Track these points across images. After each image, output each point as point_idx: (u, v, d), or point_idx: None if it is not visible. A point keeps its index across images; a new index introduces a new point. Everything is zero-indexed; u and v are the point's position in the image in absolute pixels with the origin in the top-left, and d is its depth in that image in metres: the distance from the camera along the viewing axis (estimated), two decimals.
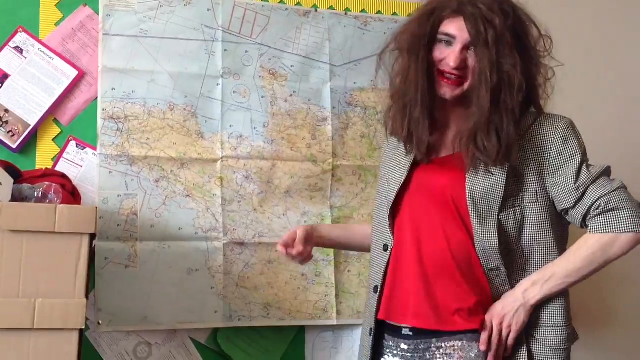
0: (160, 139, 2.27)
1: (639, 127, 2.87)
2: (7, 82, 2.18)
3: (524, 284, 1.61)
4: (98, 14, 2.27)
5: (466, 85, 1.63)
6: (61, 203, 1.80)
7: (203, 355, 2.29)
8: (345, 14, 2.52)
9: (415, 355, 1.66)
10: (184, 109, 2.31)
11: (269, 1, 2.45)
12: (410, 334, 1.67)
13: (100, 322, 2.16)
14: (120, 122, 2.25)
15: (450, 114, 1.71)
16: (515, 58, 1.60)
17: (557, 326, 1.64)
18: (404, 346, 1.68)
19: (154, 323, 2.21)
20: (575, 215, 1.62)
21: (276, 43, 2.43)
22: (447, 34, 1.63)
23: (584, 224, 1.63)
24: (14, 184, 1.82)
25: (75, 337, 1.71)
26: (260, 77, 2.40)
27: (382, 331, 1.74)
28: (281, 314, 2.33)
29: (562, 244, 1.68)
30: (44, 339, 1.69)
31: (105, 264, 2.17)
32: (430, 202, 1.68)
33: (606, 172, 1.64)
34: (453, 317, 1.61)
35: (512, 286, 1.63)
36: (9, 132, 2.16)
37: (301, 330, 2.39)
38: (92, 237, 1.88)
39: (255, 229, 2.33)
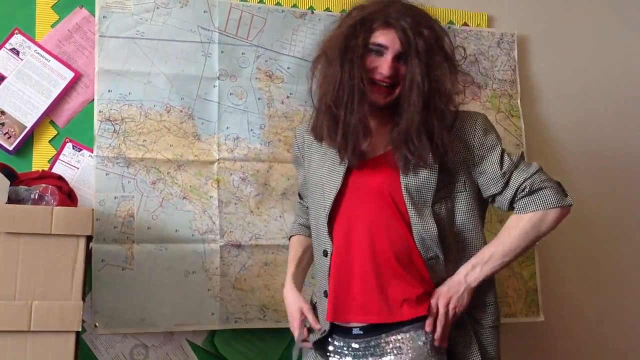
0: (157, 140, 2.27)
1: (635, 126, 2.88)
2: (3, 84, 2.17)
3: (464, 269, 1.72)
4: (94, 16, 2.27)
5: (397, 92, 1.73)
6: (58, 205, 1.80)
7: (200, 357, 2.28)
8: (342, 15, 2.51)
9: (367, 352, 1.71)
10: (181, 111, 2.31)
11: (265, 3, 2.45)
12: (361, 332, 1.72)
13: (97, 324, 2.15)
14: (117, 123, 2.24)
15: (376, 117, 1.78)
16: (443, 67, 1.74)
17: (490, 305, 1.77)
18: (355, 345, 1.73)
19: (151, 325, 2.20)
20: (503, 200, 1.76)
21: (272, 45, 2.43)
22: (378, 44, 1.72)
23: (511, 207, 1.76)
24: (10, 185, 1.82)
25: (71, 339, 1.71)
26: (256, 78, 2.40)
27: (326, 336, 1.79)
28: (278, 316, 2.32)
29: (483, 228, 1.81)
30: (41, 342, 1.69)
31: (102, 266, 2.17)
32: (369, 202, 1.74)
33: (523, 157, 1.79)
34: (401, 308, 1.67)
35: (450, 273, 1.72)
36: (5, 134, 2.16)
37: None
38: (89, 239, 1.88)
39: (251, 231, 2.32)
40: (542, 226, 1.72)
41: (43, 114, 2.19)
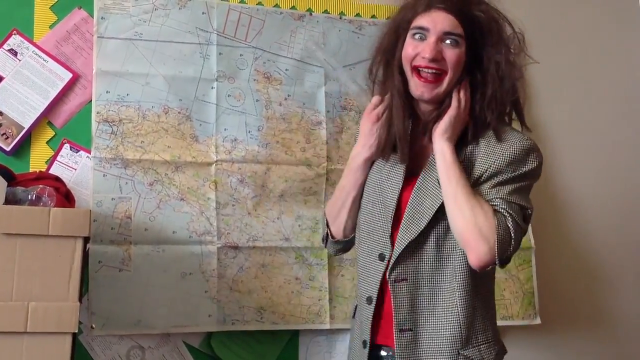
0: (155, 142, 2.27)
1: (633, 126, 2.89)
2: (1, 85, 2.17)
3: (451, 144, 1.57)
4: (92, 17, 2.27)
5: (445, 82, 1.56)
6: (55, 206, 1.79)
7: (196, 359, 2.28)
8: (340, 18, 2.52)
9: None
10: (179, 112, 2.31)
11: (263, 5, 2.45)
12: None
13: (94, 325, 2.15)
14: (115, 125, 2.24)
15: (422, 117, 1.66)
16: (504, 45, 1.59)
17: (482, 343, 1.60)
18: None
19: (148, 327, 2.20)
20: None
21: (271, 47, 2.43)
22: (419, 27, 1.56)
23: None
24: (7, 186, 1.81)
25: (68, 340, 1.70)
26: (254, 80, 2.40)
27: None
28: (275, 318, 2.32)
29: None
30: (37, 343, 1.68)
31: (99, 267, 2.17)
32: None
33: (524, 219, 1.56)
34: None
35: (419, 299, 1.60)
36: (2, 134, 2.15)
37: (295, 334, 2.39)
38: (86, 240, 1.87)
39: (249, 233, 2.32)
40: (478, 228, 1.49)
41: (41, 114, 2.19)
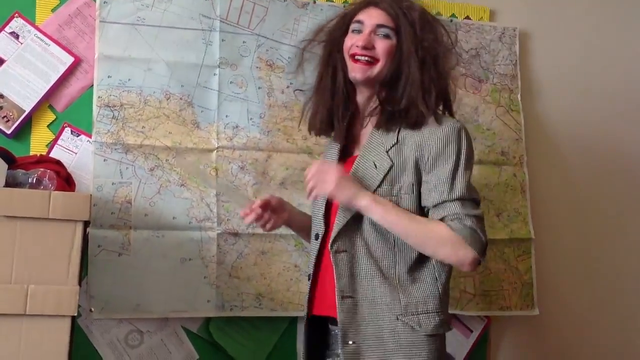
0: (156, 127, 2.27)
1: (635, 123, 2.88)
2: (2, 68, 2.17)
3: (368, 194, 1.68)
4: (95, 1, 2.26)
5: (377, 67, 1.75)
6: (55, 189, 1.79)
7: (195, 344, 2.29)
8: (344, 6, 2.51)
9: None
10: (180, 98, 2.30)
11: None
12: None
13: (93, 309, 2.16)
14: (116, 109, 2.24)
15: (361, 101, 1.84)
16: (433, 33, 1.77)
17: (428, 313, 1.68)
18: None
19: (146, 311, 2.21)
20: (434, 215, 1.68)
21: (274, 34, 2.42)
22: (357, 21, 1.79)
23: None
24: (8, 169, 1.81)
25: (67, 323, 1.71)
26: (257, 68, 2.40)
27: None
28: (273, 305, 2.33)
29: None
30: (36, 325, 1.68)
31: (99, 252, 2.17)
32: None
33: (475, 201, 1.70)
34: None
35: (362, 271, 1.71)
36: (3, 117, 2.15)
37: (293, 321, 2.39)
38: (86, 224, 1.88)
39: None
40: (441, 245, 1.65)
41: (42, 98, 2.19)
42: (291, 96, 2.42)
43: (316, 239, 1.82)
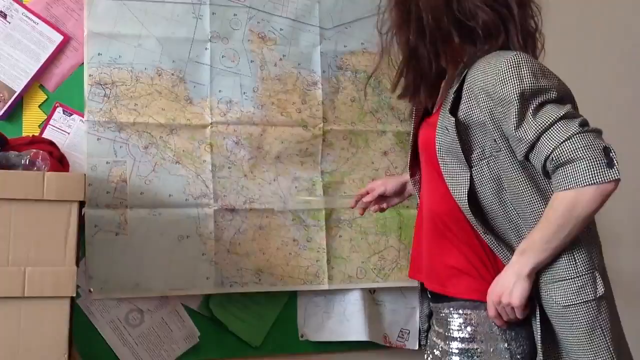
0: (149, 104, 2.25)
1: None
2: None
3: (515, 255, 1.48)
4: None
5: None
6: (49, 170, 1.78)
7: (195, 321, 2.29)
8: None
9: (438, 319, 1.66)
10: (172, 74, 2.28)
11: None
12: (429, 297, 1.71)
13: (92, 289, 2.15)
14: (108, 87, 2.22)
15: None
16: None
17: (562, 280, 1.47)
18: (431, 304, 1.71)
19: (146, 290, 2.20)
20: (536, 168, 1.48)
21: (265, 6, 2.39)
22: None
23: (547, 177, 1.48)
24: (0, 151, 1.80)
25: (66, 304, 1.70)
26: (249, 41, 2.36)
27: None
28: (273, 280, 2.33)
29: (547, 195, 1.50)
30: (35, 307, 1.68)
31: (95, 232, 2.16)
32: (422, 163, 1.70)
33: (566, 115, 1.42)
34: (451, 282, 1.58)
35: (514, 247, 1.52)
36: None
37: (293, 295, 2.39)
38: (81, 204, 1.86)
39: (245, 195, 2.31)
40: (577, 209, 1.40)
41: (32, 78, 2.16)
42: (284, 69, 2.39)
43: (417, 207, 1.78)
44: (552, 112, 1.43)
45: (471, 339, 1.55)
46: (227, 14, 2.34)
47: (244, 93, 2.34)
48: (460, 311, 1.57)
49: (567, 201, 1.40)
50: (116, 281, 2.17)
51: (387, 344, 2.47)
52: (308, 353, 2.41)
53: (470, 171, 1.52)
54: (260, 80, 2.36)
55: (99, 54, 2.21)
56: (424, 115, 1.74)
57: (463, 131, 1.52)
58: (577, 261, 1.48)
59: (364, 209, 2.05)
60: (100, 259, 2.16)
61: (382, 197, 1.99)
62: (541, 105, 1.44)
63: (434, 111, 1.69)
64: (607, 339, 1.46)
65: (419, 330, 1.78)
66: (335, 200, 2.38)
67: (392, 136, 2.47)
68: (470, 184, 1.52)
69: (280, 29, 2.40)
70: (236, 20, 2.36)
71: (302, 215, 2.37)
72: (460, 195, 1.52)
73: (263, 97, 2.36)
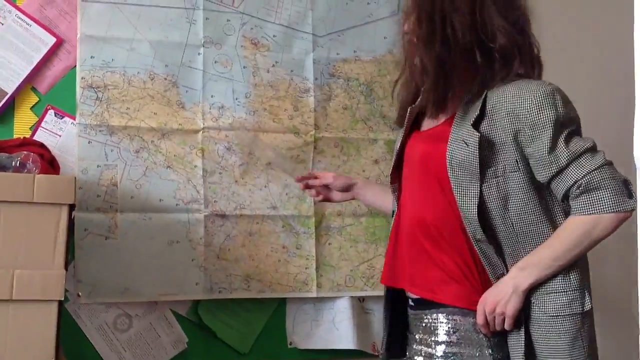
0: (141, 108, 2.24)
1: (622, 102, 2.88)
2: None
3: (513, 271, 1.57)
4: None
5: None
6: (39, 173, 1.77)
7: (184, 327, 2.28)
8: None
9: (419, 324, 1.67)
10: (165, 79, 2.27)
11: None
12: (412, 304, 1.70)
13: (80, 293, 2.14)
14: (100, 91, 2.21)
15: None
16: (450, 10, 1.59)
17: (556, 292, 1.57)
18: (411, 315, 1.72)
19: (135, 295, 2.19)
20: (556, 192, 1.57)
21: (258, 12, 2.39)
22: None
23: (566, 201, 1.58)
24: None
25: (54, 308, 1.70)
26: (242, 46, 2.37)
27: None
28: (261, 286, 2.32)
29: (548, 215, 1.60)
30: (23, 310, 1.67)
31: (85, 235, 2.15)
32: (415, 171, 1.71)
33: (591, 148, 1.55)
34: (444, 291, 1.61)
35: (507, 263, 1.59)
36: None
37: (282, 302, 2.39)
38: (71, 207, 1.85)
39: (236, 201, 2.31)
40: (594, 232, 1.52)
41: (24, 80, 2.15)
42: (277, 75, 2.39)
43: (393, 215, 1.77)
44: (581, 142, 1.55)
45: (458, 343, 1.60)
46: (220, 19, 2.35)
47: (236, 99, 2.34)
48: (450, 317, 1.61)
49: (587, 224, 1.53)
50: (105, 285, 2.16)
51: (376, 353, 2.46)
52: None
53: (480, 186, 1.58)
54: (252, 87, 2.36)
55: (91, 57, 2.21)
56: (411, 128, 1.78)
57: (483, 147, 1.57)
58: (571, 277, 1.58)
59: (306, 188, 2.01)
60: (90, 262, 2.15)
61: (326, 188, 1.98)
62: (571, 135, 1.56)
63: (433, 125, 1.71)
64: (585, 351, 1.56)
65: (384, 336, 1.78)
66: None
67: (383, 144, 2.47)
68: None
69: (274, 36, 2.40)
70: (229, 26, 2.36)
71: (292, 222, 2.37)
72: (470, 208, 1.58)
73: (255, 103, 2.36)
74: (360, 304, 2.46)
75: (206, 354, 2.30)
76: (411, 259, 1.68)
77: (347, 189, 1.98)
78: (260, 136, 2.35)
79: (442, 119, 1.69)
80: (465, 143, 1.58)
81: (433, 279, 1.63)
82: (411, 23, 1.65)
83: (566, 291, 1.57)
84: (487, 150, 1.58)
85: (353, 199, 2.01)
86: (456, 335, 1.60)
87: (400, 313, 1.77)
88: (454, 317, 1.61)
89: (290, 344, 2.39)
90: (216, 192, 2.29)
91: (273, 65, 2.39)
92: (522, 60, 1.65)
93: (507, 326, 1.56)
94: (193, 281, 2.25)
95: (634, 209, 1.52)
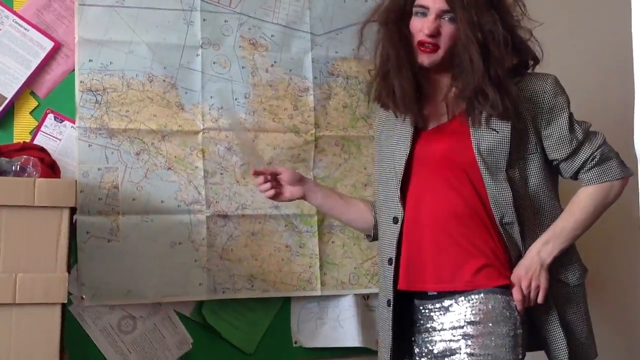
0: (140, 111, 2.24)
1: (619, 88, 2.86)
2: None
3: (536, 245, 1.72)
4: None
5: (441, 52, 1.72)
6: (40, 177, 1.78)
7: (188, 328, 2.28)
8: None
9: (442, 309, 1.72)
10: (164, 80, 2.28)
11: None
12: (435, 293, 1.74)
13: (84, 296, 2.14)
14: (99, 94, 2.21)
15: (437, 85, 1.79)
16: (493, 16, 1.70)
17: (572, 264, 1.77)
18: (429, 306, 1.74)
19: (138, 296, 2.20)
20: (568, 168, 1.77)
21: (256, 12, 2.39)
22: (421, 6, 1.73)
23: (575, 177, 1.77)
24: None
25: (57, 311, 1.70)
26: (240, 47, 2.37)
27: (400, 302, 1.78)
28: (265, 286, 2.32)
29: (557, 193, 1.81)
30: (26, 314, 1.68)
31: (87, 238, 2.15)
32: (435, 169, 1.75)
33: (590, 128, 1.78)
34: (475, 277, 1.68)
35: (526, 241, 1.72)
36: None
37: (286, 301, 2.39)
38: (73, 211, 1.86)
39: (238, 201, 2.31)
40: (609, 197, 1.74)
41: (23, 84, 2.16)
42: (275, 75, 2.39)
43: (395, 222, 1.77)
44: (583, 123, 1.78)
45: (487, 321, 1.66)
46: (218, 20, 2.35)
47: (236, 99, 2.35)
48: (482, 297, 1.67)
49: (604, 190, 1.74)
50: (108, 288, 2.16)
51: None
52: (302, 359, 2.40)
53: (507, 171, 1.72)
54: (251, 87, 2.37)
55: (90, 61, 2.21)
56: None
57: (511, 134, 1.71)
58: (574, 248, 1.80)
59: (257, 175, 1.94)
60: (92, 265, 2.15)
61: (277, 182, 1.92)
62: (573, 117, 1.77)
63: (444, 121, 1.78)
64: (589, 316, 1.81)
65: (390, 348, 1.77)
66: None
67: None
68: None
69: (272, 35, 2.40)
70: (227, 27, 2.37)
71: (294, 221, 2.37)
72: (503, 192, 1.70)
73: (255, 103, 2.36)
74: (364, 302, 2.46)
75: (211, 355, 2.30)
76: (438, 255, 1.72)
77: (297, 182, 1.93)
78: (261, 136, 2.35)
79: (453, 113, 1.77)
80: (495, 131, 1.70)
81: (473, 268, 1.69)
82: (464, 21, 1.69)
83: (578, 261, 1.80)
84: (513, 136, 1.71)
85: (302, 197, 1.95)
86: (483, 312, 1.67)
87: (403, 318, 1.79)
88: (487, 296, 1.67)
89: (296, 342, 2.39)
90: (218, 193, 2.30)
91: (272, 65, 2.40)
92: (524, 54, 1.81)
93: (540, 299, 1.69)
94: (196, 282, 2.25)
95: (632, 174, 1.73)
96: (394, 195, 1.79)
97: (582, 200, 1.75)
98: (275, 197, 1.93)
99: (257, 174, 1.91)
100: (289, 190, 1.92)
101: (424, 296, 1.75)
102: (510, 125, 1.70)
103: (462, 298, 1.68)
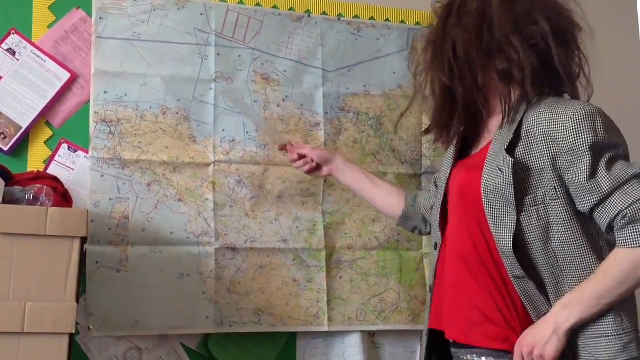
0: (153, 142, 2.26)
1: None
2: None
3: (555, 308, 1.46)
4: (91, 17, 2.26)
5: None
6: (52, 206, 1.78)
7: None
8: (338, 19, 2.52)
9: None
10: (177, 113, 2.30)
11: (262, 6, 2.44)
12: (452, 341, 1.64)
13: (91, 326, 2.13)
14: (113, 125, 2.23)
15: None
16: (467, 26, 1.58)
17: (608, 336, 1.45)
18: (452, 349, 1.66)
19: (145, 328, 2.19)
20: (600, 221, 1.47)
21: (269, 48, 2.42)
22: None
23: (610, 232, 1.47)
24: (5, 186, 1.80)
25: (65, 341, 1.69)
26: (253, 81, 2.39)
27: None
28: (272, 320, 2.31)
29: (599, 248, 1.51)
30: (34, 343, 1.67)
31: (97, 268, 2.16)
32: (456, 202, 1.65)
33: (638, 175, 1.44)
34: (476, 330, 1.54)
35: (551, 301, 1.49)
36: (0, 134, 2.15)
37: (292, 336, 2.38)
38: (83, 240, 1.86)
39: (247, 234, 2.32)
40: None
41: (39, 114, 2.18)
42: (287, 109, 2.41)
43: (435, 248, 1.69)
44: (626, 169, 1.44)
45: None
46: (232, 55, 2.38)
47: (247, 132, 2.36)
48: (484, 358, 1.54)
49: (634, 258, 1.40)
50: (115, 319, 2.16)
51: None
52: None
53: (518, 216, 1.49)
54: (263, 121, 2.38)
55: (105, 92, 2.24)
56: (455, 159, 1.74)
57: (519, 174, 1.49)
58: (623, 318, 1.46)
59: (282, 150, 2.17)
60: (101, 295, 2.15)
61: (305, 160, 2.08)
62: (613, 160, 1.45)
63: (472, 153, 1.69)
64: None
65: None
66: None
67: (393, 178, 2.48)
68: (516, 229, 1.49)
69: (284, 71, 2.43)
70: (240, 62, 2.39)
71: (302, 255, 2.37)
72: (505, 239, 1.49)
73: (266, 137, 2.38)
74: (370, 339, 2.44)
75: None
76: (451, 300, 1.61)
77: (325, 162, 2.01)
78: (271, 169, 2.36)
79: (483, 144, 1.64)
80: (499, 169, 1.49)
81: (469, 320, 1.55)
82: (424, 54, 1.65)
83: (619, 335, 1.45)
84: (523, 176, 1.49)
85: (329, 175, 2.07)
86: None
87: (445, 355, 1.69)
88: (489, 359, 1.52)
89: None
90: (227, 225, 2.30)
91: (283, 100, 2.42)
92: (558, 81, 1.59)
93: None
94: (203, 315, 2.24)
95: None
96: (435, 220, 1.72)
97: (609, 265, 1.43)
98: (311, 172, 2.06)
99: (282, 149, 2.06)
100: (320, 169, 2.07)
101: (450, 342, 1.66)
102: (512, 163, 1.48)
103: (471, 357, 1.56)
